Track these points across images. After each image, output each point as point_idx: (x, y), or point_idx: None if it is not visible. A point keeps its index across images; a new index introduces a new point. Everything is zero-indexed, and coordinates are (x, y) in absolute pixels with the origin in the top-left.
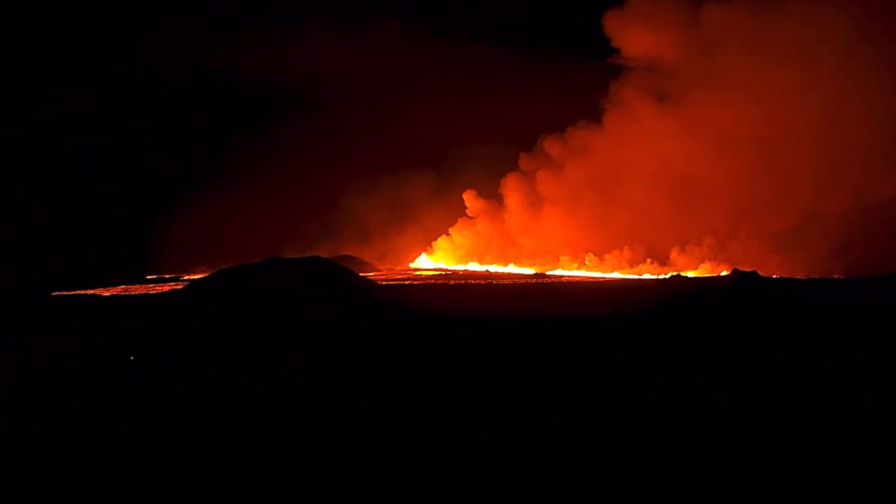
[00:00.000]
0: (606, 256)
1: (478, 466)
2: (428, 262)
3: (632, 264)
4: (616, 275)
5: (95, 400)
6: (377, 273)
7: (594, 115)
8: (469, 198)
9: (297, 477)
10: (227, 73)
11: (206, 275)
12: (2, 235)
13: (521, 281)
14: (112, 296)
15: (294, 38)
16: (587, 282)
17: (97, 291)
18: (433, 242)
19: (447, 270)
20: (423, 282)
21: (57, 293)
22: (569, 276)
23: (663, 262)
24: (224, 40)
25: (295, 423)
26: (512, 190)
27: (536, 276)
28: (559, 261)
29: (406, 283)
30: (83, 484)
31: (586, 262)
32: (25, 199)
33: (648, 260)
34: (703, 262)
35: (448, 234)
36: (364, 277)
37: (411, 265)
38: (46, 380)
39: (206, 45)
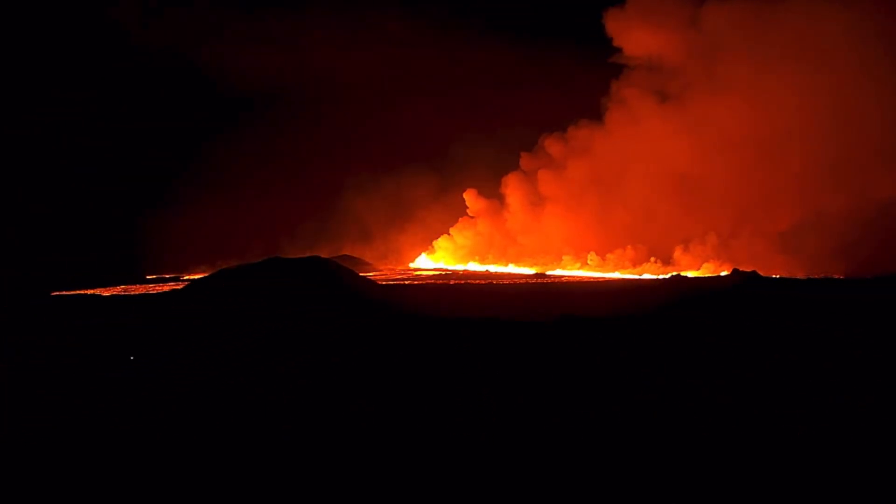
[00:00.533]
0: (609, 256)
1: (478, 466)
2: (428, 262)
3: (635, 263)
4: (616, 275)
5: (95, 400)
6: (377, 273)
7: (595, 115)
8: (470, 197)
9: (297, 476)
10: (227, 72)
11: (206, 275)
12: (2, 235)
13: (522, 281)
14: (112, 296)
15: (294, 35)
16: (587, 282)
17: (97, 291)
18: (434, 242)
19: (447, 270)
20: (424, 282)
21: (57, 293)
22: (569, 276)
23: (667, 261)
24: (223, 39)
25: (295, 423)
26: (513, 189)
27: (536, 276)
28: (561, 260)
29: (406, 283)
30: (83, 484)
31: (588, 262)
32: (25, 199)
33: (652, 259)
34: (706, 261)
35: (449, 234)
36: (364, 277)
37: (411, 265)
38: (46, 380)
39: (205, 45)
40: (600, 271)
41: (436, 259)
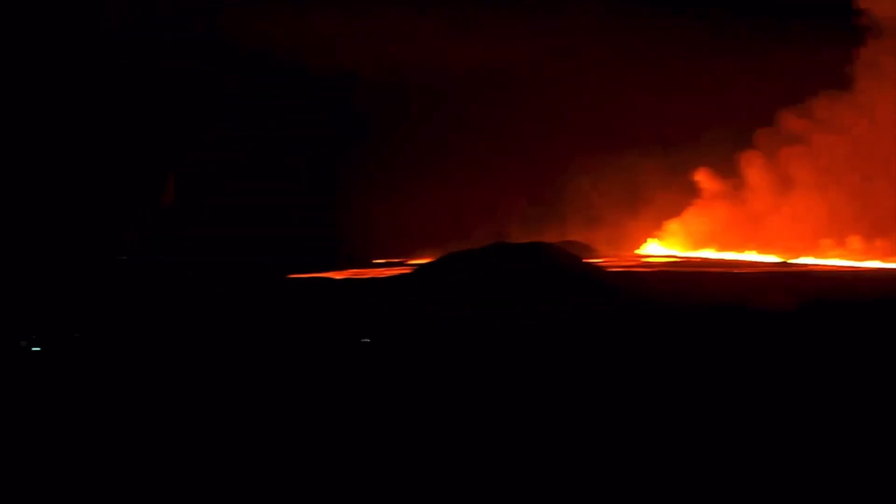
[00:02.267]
0: (878, 242)
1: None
2: (658, 249)
3: None
4: (877, 263)
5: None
6: (604, 259)
7: (837, 85)
8: (703, 178)
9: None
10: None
11: (432, 259)
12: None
13: (765, 269)
14: (344, 279)
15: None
16: (839, 271)
17: (330, 275)
18: (664, 226)
19: (679, 258)
20: (655, 269)
21: (293, 276)
22: (819, 266)
23: None
24: None
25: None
26: (752, 169)
27: (781, 264)
28: (818, 246)
29: (635, 270)
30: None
31: (851, 247)
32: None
33: None
34: None
35: (681, 218)
36: (590, 263)
37: (637, 252)
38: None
39: None
40: (863, 259)
41: (667, 246)
